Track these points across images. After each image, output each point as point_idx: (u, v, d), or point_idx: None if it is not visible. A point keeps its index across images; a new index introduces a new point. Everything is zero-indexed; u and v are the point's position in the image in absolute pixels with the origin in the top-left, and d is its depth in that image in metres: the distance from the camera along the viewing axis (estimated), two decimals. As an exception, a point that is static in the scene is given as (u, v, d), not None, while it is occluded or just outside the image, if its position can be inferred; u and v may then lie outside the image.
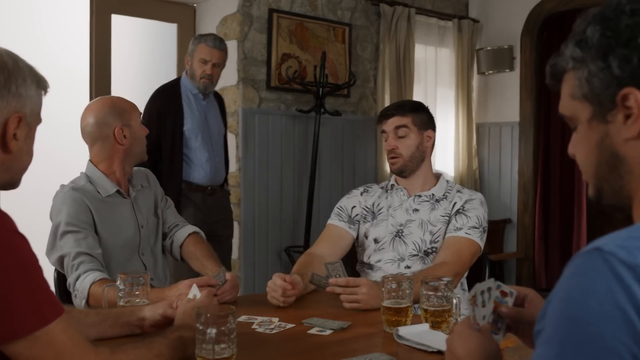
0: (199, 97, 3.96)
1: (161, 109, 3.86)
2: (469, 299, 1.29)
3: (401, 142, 2.60)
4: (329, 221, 2.72)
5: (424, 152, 2.63)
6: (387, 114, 2.65)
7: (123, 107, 2.44)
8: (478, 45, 6.18)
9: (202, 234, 2.64)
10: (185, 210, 3.84)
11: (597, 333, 0.80)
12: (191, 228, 2.61)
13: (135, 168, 2.59)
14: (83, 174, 2.44)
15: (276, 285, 2.21)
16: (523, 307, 1.31)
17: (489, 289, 1.26)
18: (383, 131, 2.66)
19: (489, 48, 6.13)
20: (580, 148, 1.03)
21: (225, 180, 4.17)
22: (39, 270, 1.27)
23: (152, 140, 3.72)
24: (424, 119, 2.64)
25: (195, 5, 4.88)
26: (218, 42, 3.89)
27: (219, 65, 3.92)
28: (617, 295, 0.79)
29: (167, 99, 3.90)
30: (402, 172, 2.63)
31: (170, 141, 3.83)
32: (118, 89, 4.38)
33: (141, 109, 2.63)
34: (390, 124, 2.62)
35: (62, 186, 2.39)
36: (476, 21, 6.15)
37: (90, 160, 2.45)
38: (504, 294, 1.25)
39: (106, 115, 2.40)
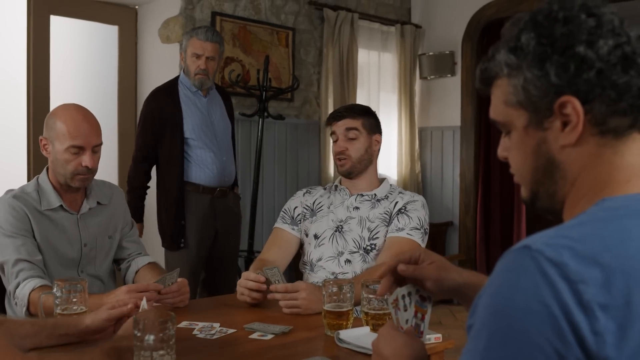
0: (199, 94, 3.81)
1: (156, 112, 3.71)
2: (390, 302, 1.31)
3: (351, 144, 2.63)
4: (276, 224, 2.74)
5: (371, 156, 2.67)
6: (337, 115, 2.68)
7: (57, 124, 2.29)
8: (420, 51, 6.27)
9: (159, 265, 2.61)
10: (191, 214, 3.75)
11: (522, 328, 0.82)
12: (152, 258, 2.58)
13: (101, 181, 2.53)
14: (35, 180, 2.39)
15: (249, 280, 2.23)
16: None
17: (409, 294, 1.29)
18: (333, 132, 2.68)
19: (430, 53, 6.22)
20: (515, 154, 1.04)
21: (236, 182, 4.05)
22: None
23: (150, 145, 3.71)
24: (372, 122, 2.68)
25: (136, 7, 4.81)
26: (210, 34, 3.73)
27: (214, 58, 3.76)
28: (542, 292, 0.81)
29: (163, 100, 3.74)
30: (349, 174, 2.66)
31: (169, 144, 3.70)
32: (57, 91, 4.29)
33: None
34: (341, 125, 2.65)
35: (7, 192, 2.35)
36: (418, 27, 6.23)
37: (47, 166, 2.42)
38: (422, 298, 1.28)
39: (45, 122, 2.36)
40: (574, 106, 0.93)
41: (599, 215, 0.91)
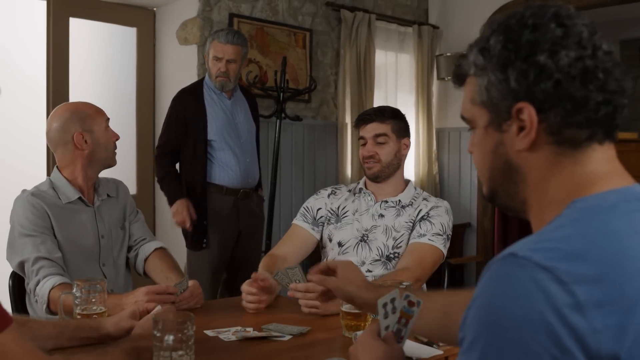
0: (223, 96, 3.86)
1: (181, 113, 3.76)
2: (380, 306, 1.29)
3: (380, 149, 2.60)
4: (295, 221, 2.70)
5: (400, 160, 2.64)
6: (366, 118, 2.64)
7: (85, 111, 2.39)
8: (438, 51, 6.24)
9: (168, 250, 2.62)
10: (214, 215, 3.78)
11: (517, 337, 0.81)
12: (158, 243, 2.58)
13: (105, 177, 2.56)
14: (48, 179, 2.42)
15: (245, 292, 2.21)
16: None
17: (393, 300, 1.26)
18: (361, 137, 2.65)
19: (448, 54, 6.19)
20: (476, 151, 1.06)
21: (260, 184, 4.07)
22: None
23: (172, 144, 3.76)
24: (401, 126, 2.65)
25: (155, 9, 4.84)
26: (231, 37, 3.76)
27: (235, 61, 3.78)
28: (534, 299, 0.81)
29: (187, 101, 3.79)
30: (377, 178, 2.63)
31: (192, 144, 3.74)
32: (76, 93, 4.32)
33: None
34: (370, 130, 2.62)
35: (23, 191, 2.38)
36: (436, 27, 6.21)
37: (56, 165, 2.44)
38: (411, 303, 1.25)
39: (67, 121, 2.37)
40: (529, 113, 0.95)
41: (574, 216, 0.91)
